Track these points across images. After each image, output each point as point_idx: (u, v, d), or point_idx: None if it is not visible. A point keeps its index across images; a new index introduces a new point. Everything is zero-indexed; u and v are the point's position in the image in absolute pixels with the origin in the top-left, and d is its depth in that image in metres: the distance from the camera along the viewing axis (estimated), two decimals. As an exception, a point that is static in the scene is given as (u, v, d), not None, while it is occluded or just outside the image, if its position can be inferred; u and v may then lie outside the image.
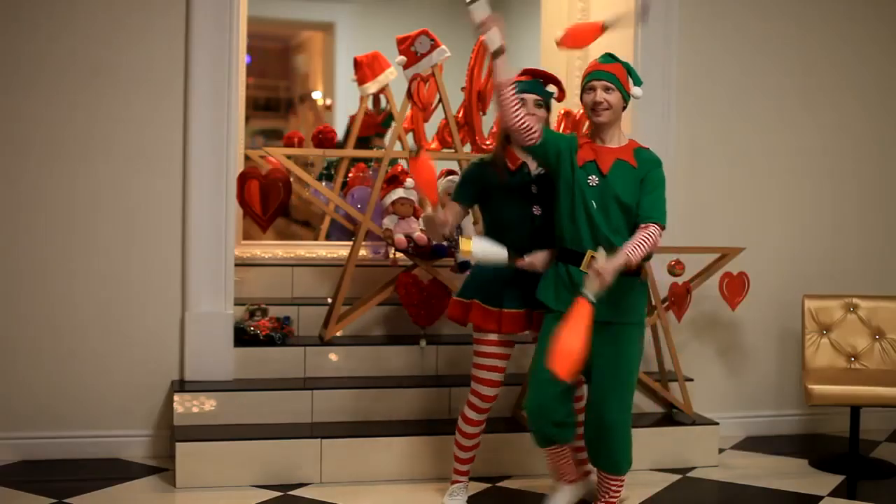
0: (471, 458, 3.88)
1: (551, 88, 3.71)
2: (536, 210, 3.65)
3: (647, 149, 3.58)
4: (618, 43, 5.00)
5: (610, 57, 3.56)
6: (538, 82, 3.66)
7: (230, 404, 4.32)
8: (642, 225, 3.42)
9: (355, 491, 4.05)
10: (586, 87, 3.51)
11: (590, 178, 3.45)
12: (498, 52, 3.40)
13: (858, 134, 5.30)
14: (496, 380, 3.73)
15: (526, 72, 3.70)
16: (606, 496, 3.65)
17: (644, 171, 3.47)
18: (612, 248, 3.33)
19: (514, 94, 3.40)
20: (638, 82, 3.55)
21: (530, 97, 3.60)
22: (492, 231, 3.69)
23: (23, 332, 4.35)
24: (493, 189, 3.66)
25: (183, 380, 4.46)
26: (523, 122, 3.41)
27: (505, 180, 3.64)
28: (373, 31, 7.40)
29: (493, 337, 3.70)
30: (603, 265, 3.21)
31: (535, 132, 3.44)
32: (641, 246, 3.33)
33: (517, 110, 3.40)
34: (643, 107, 4.78)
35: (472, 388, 3.76)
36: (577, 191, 3.43)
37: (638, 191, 3.45)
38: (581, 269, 3.40)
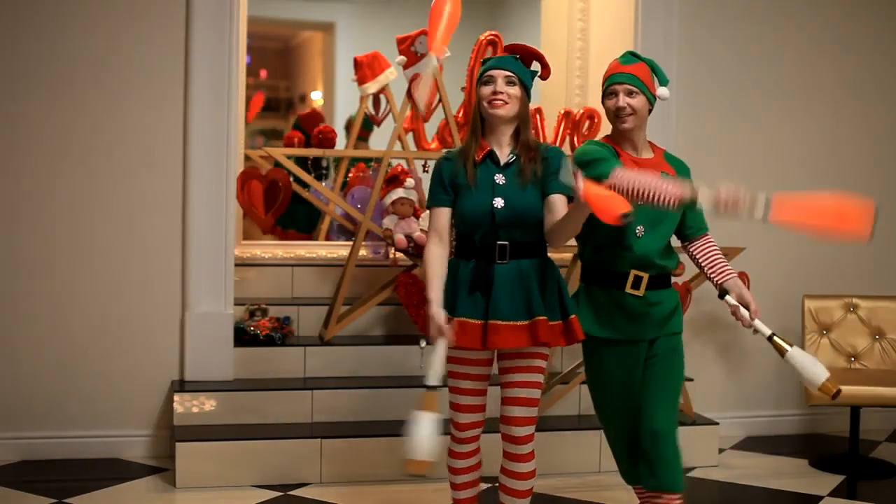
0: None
1: (535, 66, 3.23)
2: (498, 203, 3.05)
3: (674, 155, 3.34)
4: (618, 43, 5.01)
5: (632, 56, 3.22)
6: (513, 58, 3.15)
7: (230, 404, 4.32)
8: (702, 238, 3.27)
9: (355, 491, 4.05)
10: (607, 92, 3.18)
11: None
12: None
13: (858, 134, 5.30)
14: (466, 404, 3.21)
15: (506, 48, 3.26)
16: None
17: (680, 177, 3.16)
18: (655, 269, 3.13)
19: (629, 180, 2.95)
20: (664, 81, 3.22)
21: (500, 73, 3.08)
22: (461, 228, 3.15)
23: (23, 332, 4.35)
24: (458, 183, 3.13)
25: (183, 380, 4.46)
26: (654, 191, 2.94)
27: (469, 173, 3.11)
28: (373, 31, 7.40)
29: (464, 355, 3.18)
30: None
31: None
32: (723, 258, 3.25)
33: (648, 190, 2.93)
34: (643, 107, 4.77)
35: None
36: None
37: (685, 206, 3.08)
38: (626, 290, 3.13)
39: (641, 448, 3.17)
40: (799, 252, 5.20)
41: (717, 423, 4.64)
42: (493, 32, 4.85)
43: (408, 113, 4.91)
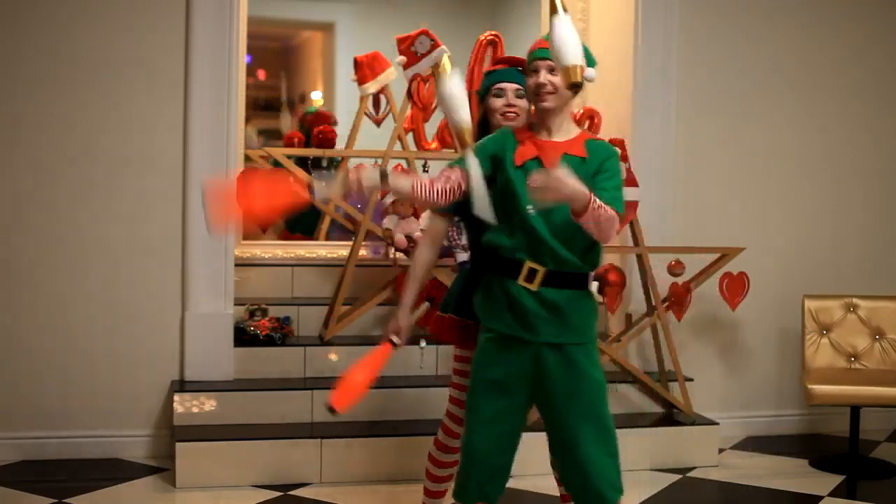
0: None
1: None
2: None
3: (602, 140, 3.01)
4: (618, 43, 5.01)
5: None
6: (517, 70, 3.15)
7: (230, 404, 4.32)
8: None
9: (355, 491, 4.05)
10: (529, 69, 2.93)
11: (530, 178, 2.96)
12: (384, 177, 2.78)
13: (859, 134, 5.29)
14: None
15: (502, 60, 3.26)
16: None
17: (597, 163, 2.87)
18: (557, 260, 2.80)
19: (423, 187, 2.84)
20: (591, 63, 2.94)
21: (510, 86, 3.14)
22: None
23: (23, 332, 4.35)
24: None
25: (183, 380, 4.46)
26: (432, 191, 2.85)
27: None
28: (373, 31, 7.39)
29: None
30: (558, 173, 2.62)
31: (444, 193, 2.86)
32: (601, 210, 2.67)
33: (426, 190, 2.84)
34: (643, 107, 4.79)
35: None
36: (510, 194, 2.84)
37: (589, 187, 2.81)
38: (519, 282, 2.81)
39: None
40: (799, 252, 5.20)
41: (717, 423, 4.64)
42: (493, 32, 4.85)
43: (408, 113, 4.90)
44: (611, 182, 2.84)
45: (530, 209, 2.80)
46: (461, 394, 3.14)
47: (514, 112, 3.14)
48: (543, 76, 2.87)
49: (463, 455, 2.92)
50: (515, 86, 3.16)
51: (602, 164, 2.87)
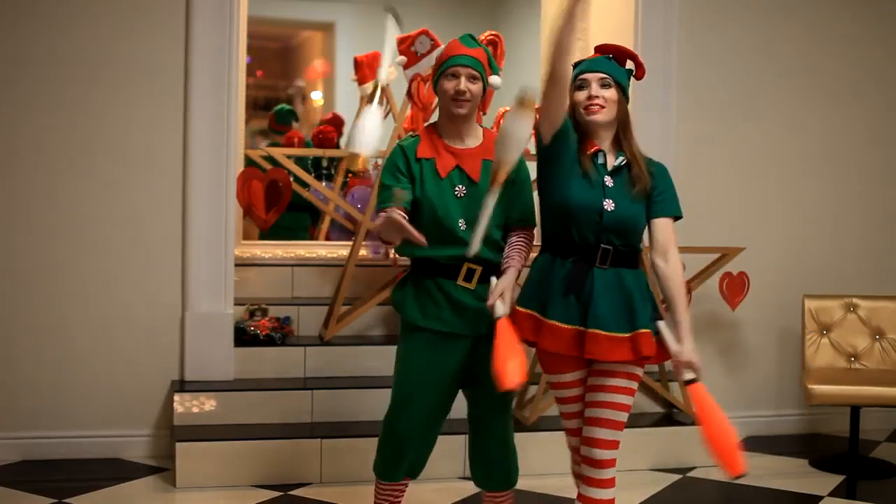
0: None
1: (628, 65, 3.03)
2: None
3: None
4: (618, 42, 5.01)
5: (472, 39, 3.05)
6: (606, 58, 2.96)
7: (230, 404, 4.32)
8: (524, 230, 3.07)
9: (355, 491, 4.05)
10: (446, 73, 2.99)
11: (457, 188, 3.00)
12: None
13: (859, 134, 5.30)
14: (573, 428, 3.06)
15: (597, 49, 3.04)
16: None
17: (513, 171, 2.93)
18: (487, 263, 3.00)
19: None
20: (496, 70, 3.09)
21: (594, 76, 2.90)
22: (552, 223, 2.98)
23: (23, 331, 4.35)
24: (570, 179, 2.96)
25: (183, 380, 4.46)
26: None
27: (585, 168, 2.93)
28: (373, 31, 7.40)
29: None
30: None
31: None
32: (522, 253, 3.02)
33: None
34: (644, 106, 4.78)
35: None
36: (442, 206, 2.98)
37: (506, 194, 2.97)
38: (458, 282, 3.00)
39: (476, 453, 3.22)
40: (799, 252, 5.20)
41: (717, 423, 4.63)
42: (493, 32, 4.85)
43: (408, 113, 4.90)
44: (524, 192, 3.06)
45: (461, 224, 2.98)
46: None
47: (597, 104, 2.89)
48: (464, 83, 2.96)
49: (393, 439, 3.16)
50: (600, 74, 2.92)
51: (518, 171, 3.00)
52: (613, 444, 2.90)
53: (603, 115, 2.89)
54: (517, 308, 2.94)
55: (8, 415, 4.34)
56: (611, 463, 2.90)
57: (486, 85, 3.05)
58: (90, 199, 4.39)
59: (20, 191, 4.34)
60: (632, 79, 3.03)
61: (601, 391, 2.90)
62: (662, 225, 2.96)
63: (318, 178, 6.19)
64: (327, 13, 8.49)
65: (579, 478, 3.00)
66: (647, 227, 2.98)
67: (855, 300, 4.91)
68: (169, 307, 4.46)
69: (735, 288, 4.75)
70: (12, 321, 4.35)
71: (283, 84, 8.53)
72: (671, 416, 4.69)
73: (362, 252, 4.86)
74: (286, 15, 8.41)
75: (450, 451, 3.94)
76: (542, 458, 4.19)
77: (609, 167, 2.92)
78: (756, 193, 5.15)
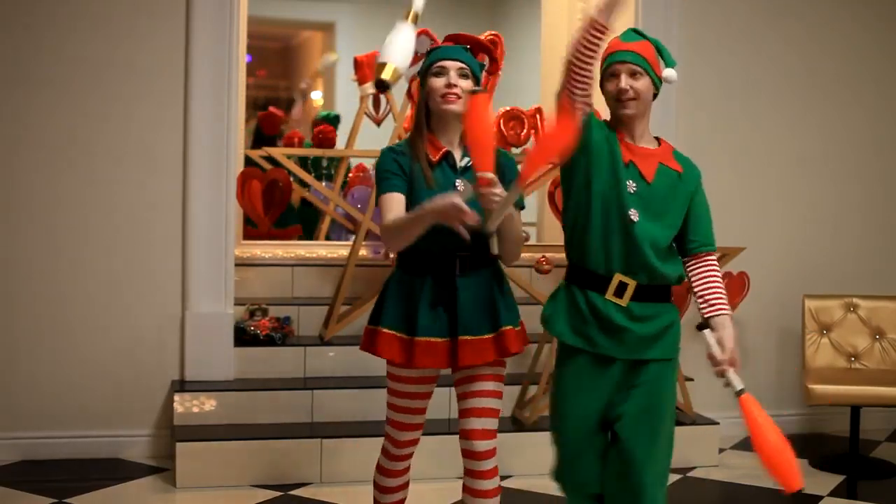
0: None
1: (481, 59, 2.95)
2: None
3: (675, 149, 2.91)
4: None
5: (635, 33, 2.81)
6: (463, 48, 2.85)
7: (230, 404, 4.32)
8: (704, 255, 2.83)
9: (355, 491, 4.05)
10: (607, 73, 2.77)
11: (628, 182, 2.72)
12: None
13: (859, 134, 5.30)
14: (409, 423, 3.01)
15: (449, 38, 2.93)
16: None
17: (693, 183, 2.80)
18: (651, 274, 2.74)
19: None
20: (670, 63, 2.82)
21: (453, 64, 2.78)
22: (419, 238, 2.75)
23: (23, 331, 4.35)
24: (413, 184, 2.81)
25: (183, 380, 4.46)
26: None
27: (427, 174, 2.79)
28: (373, 31, 7.40)
29: (404, 373, 2.92)
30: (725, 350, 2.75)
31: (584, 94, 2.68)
32: (724, 293, 2.80)
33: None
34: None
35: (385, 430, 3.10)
36: (614, 199, 2.70)
37: (685, 206, 2.78)
38: (607, 297, 2.72)
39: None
40: (799, 252, 5.20)
41: (718, 423, 4.64)
42: (493, 32, 4.85)
43: (408, 113, 4.90)
44: (706, 213, 2.85)
45: (632, 217, 2.72)
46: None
47: (454, 94, 2.76)
48: (625, 81, 2.73)
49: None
50: (459, 64, 2.80)
51: (698, 187, 2.83)
52: (492, 434, 2.84)
53: (459, 105, 2.77)
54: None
55: (8, 415, 4.34)
56: (491, 453, 2.85)
57: (657, 81, 2.80)
58: (90, 199, 4.39)
59: (20, 191, 4.34)
60: None
61: (473, 381, 2.86)
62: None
63: (318, 178, 6.20)
64: (327, 13, 8.50)
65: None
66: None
67: (855, 300, 4.91)
68: (169, 307, 4.46)
69: (735, 288, 4.75)
70: (12, 321, 4.34)
71: (283, 84, 8.54)
72: (671, 416, 4.68)
73: (362, 252, 4.86)
74: (286, 15, 8.42)
75: (450, 451, 3.94)
76: (542, 458, 4.18)
77: (458, 167, 2.83)
78: (756, 193, 5.15)
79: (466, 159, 2.81)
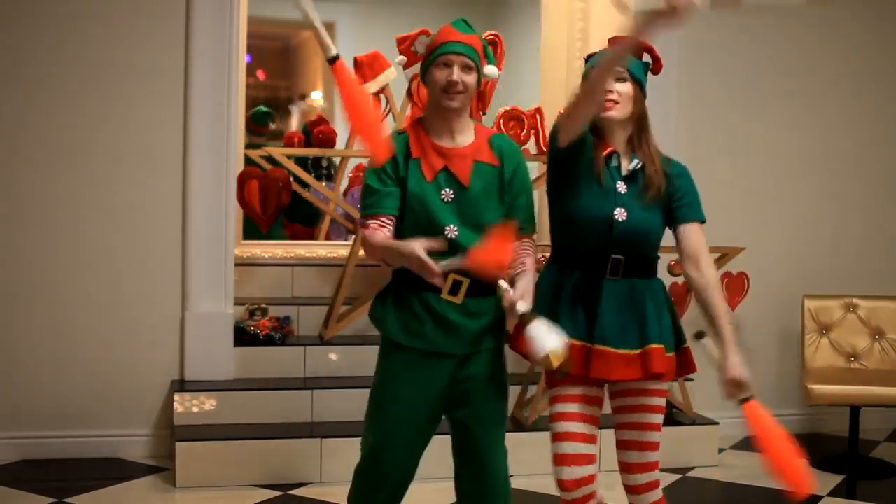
0: None
1: (645, 57, 2.89)
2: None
3: (501, 134, 2.84)
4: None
5: (466, 25, 2.75)
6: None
7: (230, 404, 4.32)
8: (525, 238, 2.75)
9: (355, 491, 4.05)
10: (439, 61, 2.66)
11: (443, 192, 2.67)
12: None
13: (859, 134, 5.30)
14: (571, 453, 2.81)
15: (612, 41, 2.81)
16: None
17: (510, 169, 2.72)
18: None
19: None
20: (492, 61, 2.79)
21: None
22: (562, 233, 2.78)
23: (23, 331, 4.35)
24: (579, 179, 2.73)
25: (183, 380, 4.46)
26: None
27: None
28: (373, 31, 7.41)
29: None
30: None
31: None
32: (531, 258, 2.72)
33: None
34: (643, 107, 4.77)
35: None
36: (427, 212, 2.66)
37: (504, 196, 2.71)
38: (443, 296, 2.66)
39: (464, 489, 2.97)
40: (799, 252, 5.20)
41: (717, 423, 4.64)
42: (493, 32, 4.85)
43: (408, 113, 4.90)
44: (522, 198, 2.75)
45: (450, 231, 2.65)
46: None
47: (610, 100, 2.70)
48: (457, 73, 2.65)
49: (372, 473, 2.87)
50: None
51: (515, 172, 2.72)
52: (650, 467, 2.77)
53: (617, 111, 2.71)
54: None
55: (8, 414, 4.34)
56: (651, 486, 2.78)
57: (480, 76, 2.73)
58: (90, 198, 4.39)
59: (20, 191, 4.34)
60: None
61: (624, 412, 2.77)
62: (689, 231, 2.73)
63: (318, 178, 6.20)
64: (327, 13, 8.47)
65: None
66: (673, 234, 2.79)
67: (855, 300, 4.91)
68: (169, 307, 4.46)
69: (735, 288, 4.75)
70: (12, 321, 4.34)
71: (283, 84, 8.53)
72: (671, 416, 4.68)
73: (362, 252, 4.86)
74: (286, 15, 8.39)
75: (449, 451, 3.93)
76: (541, 459, 4.17)
77: (623, 171, 2.73)
78: (756, 193, 5.15)
79: (636, 161, 2.75)
